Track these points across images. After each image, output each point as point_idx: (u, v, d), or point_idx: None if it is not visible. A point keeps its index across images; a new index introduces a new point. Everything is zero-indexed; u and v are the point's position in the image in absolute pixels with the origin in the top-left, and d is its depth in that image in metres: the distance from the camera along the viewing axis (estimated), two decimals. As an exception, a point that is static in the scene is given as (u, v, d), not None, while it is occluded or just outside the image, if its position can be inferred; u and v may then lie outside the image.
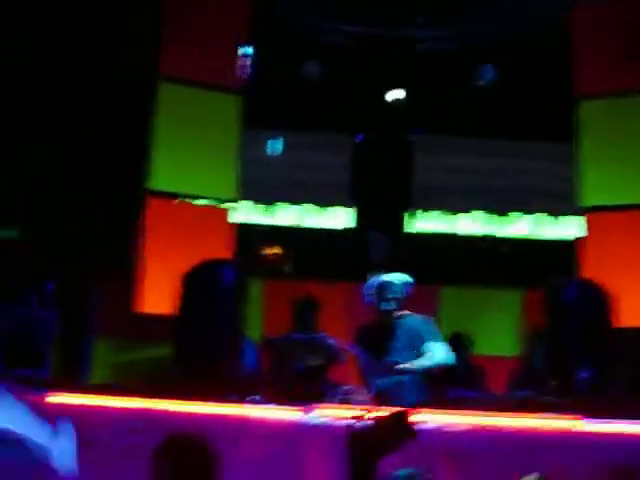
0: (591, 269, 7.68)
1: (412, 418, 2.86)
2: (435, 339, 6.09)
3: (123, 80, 8.49)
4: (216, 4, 8.45)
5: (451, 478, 4.74)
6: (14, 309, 6.89)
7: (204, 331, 6.00)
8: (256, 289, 8.64)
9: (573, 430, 4.83)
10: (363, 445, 2.85)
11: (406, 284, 6.28)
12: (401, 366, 5.84)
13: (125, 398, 5.16)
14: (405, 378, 5.98)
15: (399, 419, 3.01)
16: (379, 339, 6.27)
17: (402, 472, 3.84)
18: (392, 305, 6.20)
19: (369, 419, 2.95)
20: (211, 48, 8.33)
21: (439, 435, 4.85)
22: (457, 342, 7.41)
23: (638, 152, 8.00)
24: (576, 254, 8.21)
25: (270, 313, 8.92)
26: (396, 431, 3.00)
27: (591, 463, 4.67)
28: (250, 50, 8.82)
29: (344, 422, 4.83)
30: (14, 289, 7.13)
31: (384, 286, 6.25)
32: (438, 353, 5.98)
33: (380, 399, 5.93)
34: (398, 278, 6.29)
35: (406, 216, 9.91)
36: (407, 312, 6.32)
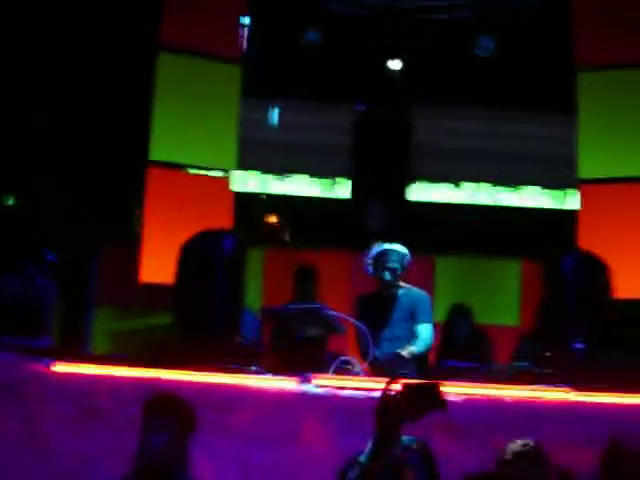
0: (588, 241, 7.70)
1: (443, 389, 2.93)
2: (427, 319, 6.21)
3: (123, 50, 8.48)
4: (216, -27, 8.43)
5: (447, 448, 4.80)
6: (13, 279, 6.92)
7: (202, 301, 6.04)
8: (256, 259, 8.70)
9: (564, 401, 4.91)
10: (390, 412, 2.91)
11: (406, 255, 6.34)
12: (402, 354, 5.94)
13: (127, 367, 5.22)
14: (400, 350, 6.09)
15: (429, 389, 3.05)
16: (378, 310, 6.34)
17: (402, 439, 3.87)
18: (392, 275, 6.27)
19: (398, 387, 3.00)
20: (211, 17, 8.31)
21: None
22: (458, 313, 7.49)
23: (637, 125, 8.01)
24: (575, 225, 8.25)
25: (270, 282, 8.97)
26: (425, 400, 3.04)
27: (582, 433, 4.74)
28: (249, 19, 8.81)
29: (351, 392, 4.91)
30: (13, 259, 7.16)
31: (384, 255, 6.31)
32: (423, 338, 6.11)
33: (378, 370, 6.02)
34: (397, 248, 6.34)
35: (405, 185, 9.94)
36: (406, 285, 6.40)
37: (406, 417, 2.91)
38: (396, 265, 6.30)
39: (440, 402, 2.92)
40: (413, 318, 6.28)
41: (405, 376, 5.44)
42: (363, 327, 5.92)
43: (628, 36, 8.00)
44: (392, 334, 6.27)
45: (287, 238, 9.84)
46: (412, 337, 6.24)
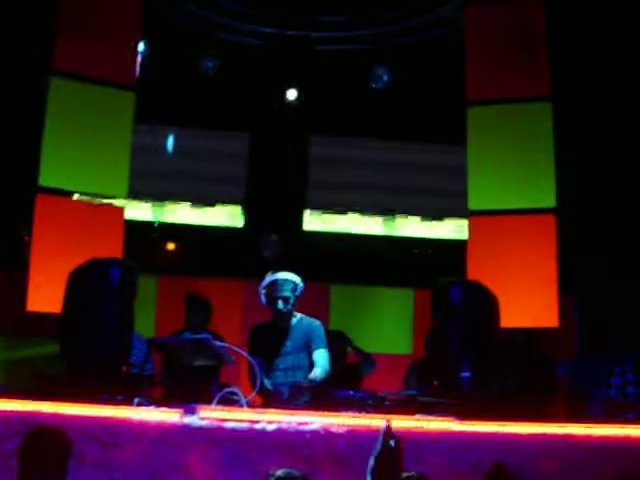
0: (478, 271, 7.86)
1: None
2: (322, 346, 6.25)
3: (13, 74, 8.33)
4: (109, -1, 8.38)
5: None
6: None
7: (89, 330, 5.95)
8: (149, 286, 8.62)
9: (447, 430, 4.97)
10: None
11: (298, 283, 6.37)
12: (300, 384, 5.96)
13: (5, 401, 5.08)
14: (294, 379, 6.11)
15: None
16: (271, 339, 6.34)
17: (280, 472, 3.87)
18: (284, 304, 6.28)
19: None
20: (104, 43, 8.22)
21: (321, 436, 4.94)
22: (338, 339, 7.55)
23: (522, 158, 8.23)
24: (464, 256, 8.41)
25: (163, 310, 8.91)
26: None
27: (464, 462, 4.81)
28: (142, 45, 8.75)
29: (235, 424, 4.89)
30: None
31: (276, 285, 6.32)
32: (322, 365, 6.14)
33: (270, 400, 6.01)
34: (290, 277, 6.36)
35: (300, 215, 9.99)
36: (300, 314, 6.42)
37: None
38: (288, 294, 6.32)
39: None
40: (306, 347, 6.31)
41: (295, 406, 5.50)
42: (251, 358, 5.91)
43: (514, 72, 8.24)
44: (285, 364, 6.29)
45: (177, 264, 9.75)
46: (305, 366, 6.26)
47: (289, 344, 6.33)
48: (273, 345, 6.33)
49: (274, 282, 6.33)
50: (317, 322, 6.47)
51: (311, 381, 6.04)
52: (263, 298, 6.38)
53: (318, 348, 6.28)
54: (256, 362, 5.91)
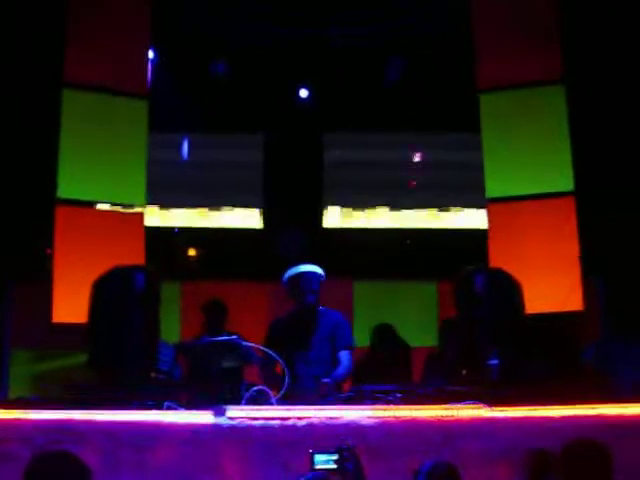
0: (500, 258, 7.82)
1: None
2: (347, 345, 6.24)
3: (26, 88, 8.38)
4: (118, 9, 8.39)
5: (368, 472, 4.81)
6: None
7: (116, 338, 5.97)
8: (173, 293, 8.64)
9: (476, 417, 4.97)
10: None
11: (323, 275, 6.37)
12: (323, 383, 5.93)
13: (39, 411, 5.12)
14: (317, 373, 6.10)
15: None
16: (295, 332, 6.33)
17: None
18: (312, 296, 6.27)
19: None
20: (114, 53, 8.26)
21: (352, 430, 4.94)
22: (384, 334, 7.55)
23: (538, 142, 8.20)
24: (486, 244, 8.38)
25: (188, 315, 8.92)
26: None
27: (496, 448, 4.81)
28: (152, 53, 8.78)
29: (265, 422, 4.89)
30: None
31: (304, 278, 6.30)
32: (346, 366, 6.16)
33: (294, 393, 6.00)
34: (316, 269, 6.36)
35: (319, 212, 9.99)
36: (325, 307, 6.42)
37: None
38: (317, 287, 6.32)
39: None
40: (331, 341, 6.30)
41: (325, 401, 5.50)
42: (277, 357, 5.90)
43: (525, 57, 8.20)
44: (310, 357, 6.27)
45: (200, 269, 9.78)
46: (328, 360, 6.25)
47: (314, 337, 6.32)
48: (296, 338, 6.31)
49: (301, 275, 6.30)
50: (342, 316, 6.46)
51: (334, 380, 6.02)
52: (287, 291, 6.37)
53: (343, 348, 6.28)
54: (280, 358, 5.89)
